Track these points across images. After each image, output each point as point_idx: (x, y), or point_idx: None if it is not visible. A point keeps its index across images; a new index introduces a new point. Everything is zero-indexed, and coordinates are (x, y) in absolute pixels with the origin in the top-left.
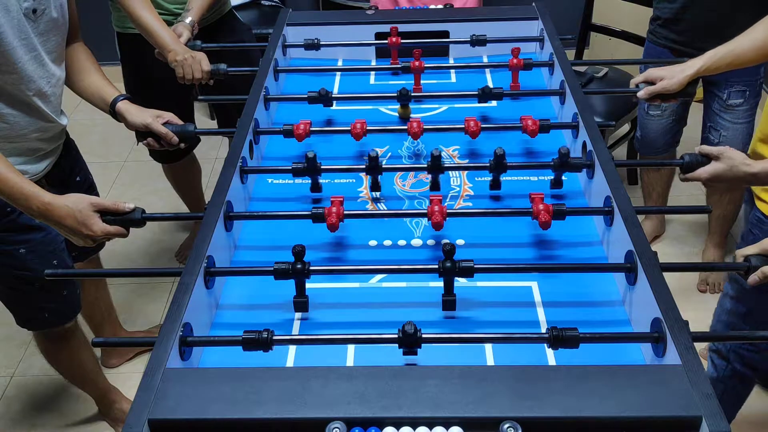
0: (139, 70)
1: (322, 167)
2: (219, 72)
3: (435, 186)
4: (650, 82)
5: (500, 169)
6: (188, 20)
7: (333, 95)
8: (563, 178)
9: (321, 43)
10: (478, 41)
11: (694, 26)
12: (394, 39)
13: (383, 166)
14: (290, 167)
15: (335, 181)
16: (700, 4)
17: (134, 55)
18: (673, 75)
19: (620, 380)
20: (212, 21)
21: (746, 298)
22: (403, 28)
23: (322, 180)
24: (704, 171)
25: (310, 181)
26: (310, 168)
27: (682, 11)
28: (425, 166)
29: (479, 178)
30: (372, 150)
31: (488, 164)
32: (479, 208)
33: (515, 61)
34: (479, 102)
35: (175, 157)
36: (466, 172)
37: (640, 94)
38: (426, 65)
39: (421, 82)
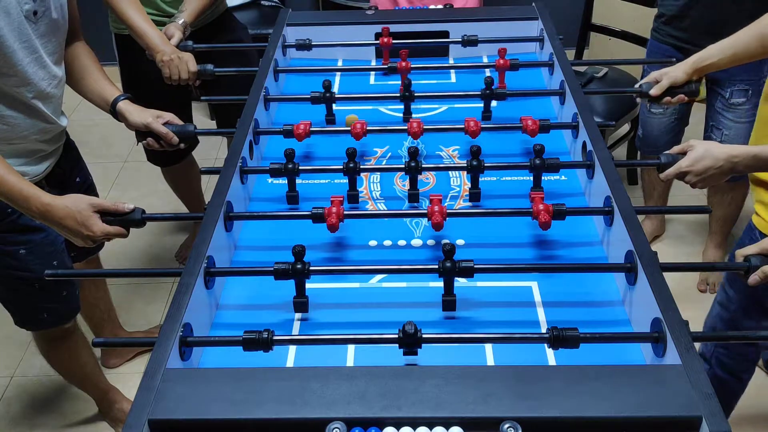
0: (136, 71)
1: (360, 167)
2: (206, 72)
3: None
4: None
5: (542, 168)
6: (180, 21)
7: (337, 95)
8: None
9: (320, 43)
10: (469, 41)
11: (698, 23)
12: (385, 39)
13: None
14: (336, 167)
15: (335, 181)
16: (705, 2)
17: (131, 56)
18: (676, 66)
19: (620, 380)
20: (209, 21)
21: (731, 306)
22: (402, 28)
23: (322, 180)
24: (682, 161)
25: (347, 181)
26: (351, 168)
27: (687, 8)
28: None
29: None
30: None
31: (529, 163)
32: (479, 208)
33: (501, 61)
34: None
35: (173, 159)
36: (466, 173)
37: (653, 90)
38: (413, 66)
39: (421, 82)
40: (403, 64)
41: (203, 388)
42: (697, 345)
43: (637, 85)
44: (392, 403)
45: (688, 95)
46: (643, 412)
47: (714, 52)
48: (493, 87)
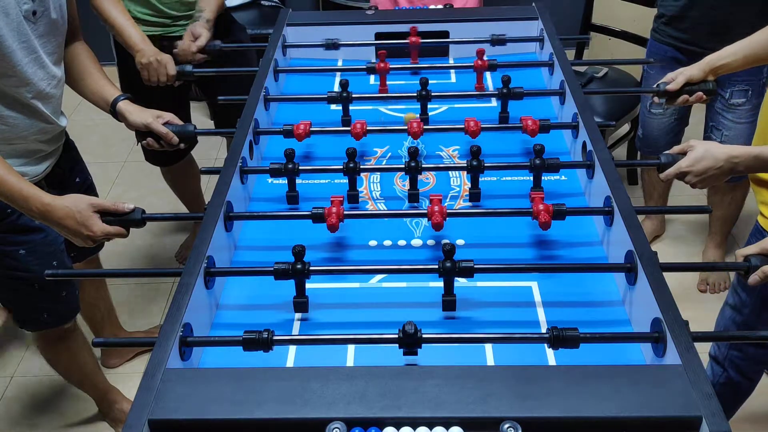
0: (135, 71)
1: (361, 167)
2: (185, 73)
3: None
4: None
5: (542, 168)
6: (205, 19)
7: (354, 95)
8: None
9: (320, 43)
10: (498, 41)
11: (699, 24)
12: (413, 39)
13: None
14: (336, 167)
15: (335, 181)
16: (705, 2)
17: (130, 57)
18: (692, 66)
19: (620, 380)
20: None
21: (744, 309)
22: (401, 28)
23: (322, 180)
24: (682, 161)
25: (347, 180)
26: (351, 168)
27: (687, 9)
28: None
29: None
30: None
31: (529, 163)
32: (479, 208)
33: (479, 62)
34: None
35: (172, 159)
36: (466, 173)
37: (671, 86)
38: (390, 66)
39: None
40: (382, 65)
41: (203, 388)
42: (707, 349)
43: (654, 86)
44: (392, 403)
45: (705, 93)
46: (643, 412)
47: (728, 53)
48: (510, 86)
